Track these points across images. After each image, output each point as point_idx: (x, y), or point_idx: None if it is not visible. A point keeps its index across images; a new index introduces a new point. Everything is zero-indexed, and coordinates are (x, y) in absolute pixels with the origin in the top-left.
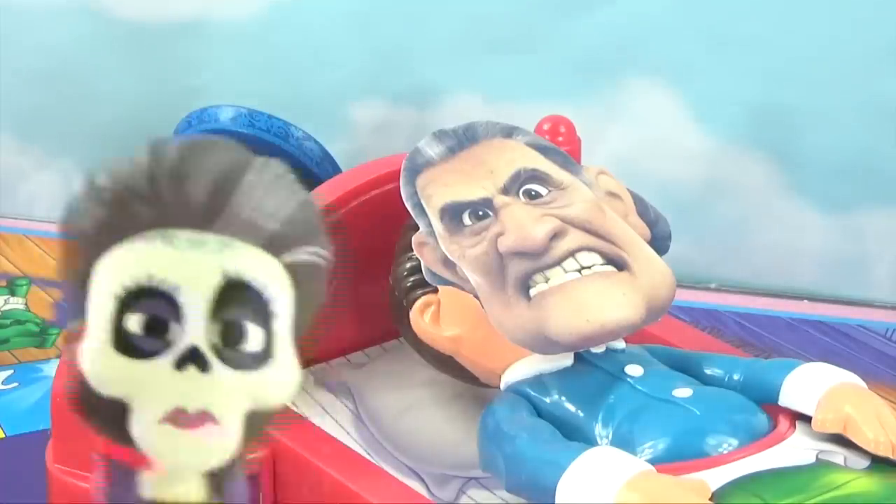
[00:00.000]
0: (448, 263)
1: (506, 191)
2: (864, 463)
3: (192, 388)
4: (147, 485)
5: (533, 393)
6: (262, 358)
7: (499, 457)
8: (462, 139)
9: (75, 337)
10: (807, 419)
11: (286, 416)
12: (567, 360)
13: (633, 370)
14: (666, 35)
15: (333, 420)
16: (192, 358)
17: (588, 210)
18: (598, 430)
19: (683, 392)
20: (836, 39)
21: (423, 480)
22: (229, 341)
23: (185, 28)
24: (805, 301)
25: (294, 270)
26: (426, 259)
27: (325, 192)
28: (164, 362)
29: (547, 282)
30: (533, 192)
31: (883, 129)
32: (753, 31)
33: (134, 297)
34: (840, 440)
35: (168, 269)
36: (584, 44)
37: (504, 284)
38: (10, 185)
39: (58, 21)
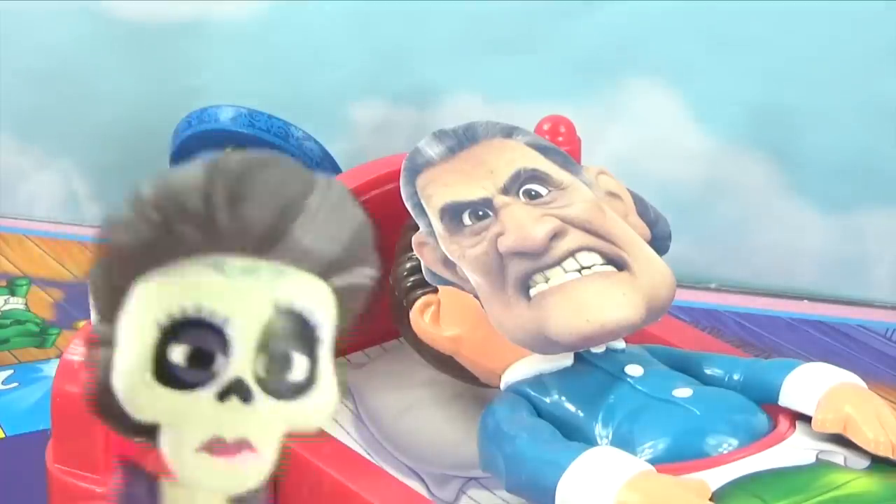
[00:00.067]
0: (448, 263)
1: (506, 191)
2: (864, 463)
3: (233, 419)
4: (167, 494)
5: (533, 393)
6: (305, 386)
7: (499, 457)
8: (462, 139)
9: (97, 341)
10: (807, 419)
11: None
12: (567, 360)
13: (633, 370)
14: (666, 35)
15: (333, 420)
16: (236, 390)
17: (588, 210)
18: (598, 430)
19: (683, 392)
20: (836, 39)
21: (423, 480)
22: (274, 372)
23: (185, 28)
24: (805, 301)
25: (342, 292)
26: (426, 259)
27: None
28: (207, 394)
29: (547, 282)
30: (533, 192)
31: (883, 129)
32: (753, 31)
33: (180, 327)
34: (840, 440)
35: (218, 301)
36: (584, 44)
37: (504, 284)
38: (10, 185)
39: (58, 21)
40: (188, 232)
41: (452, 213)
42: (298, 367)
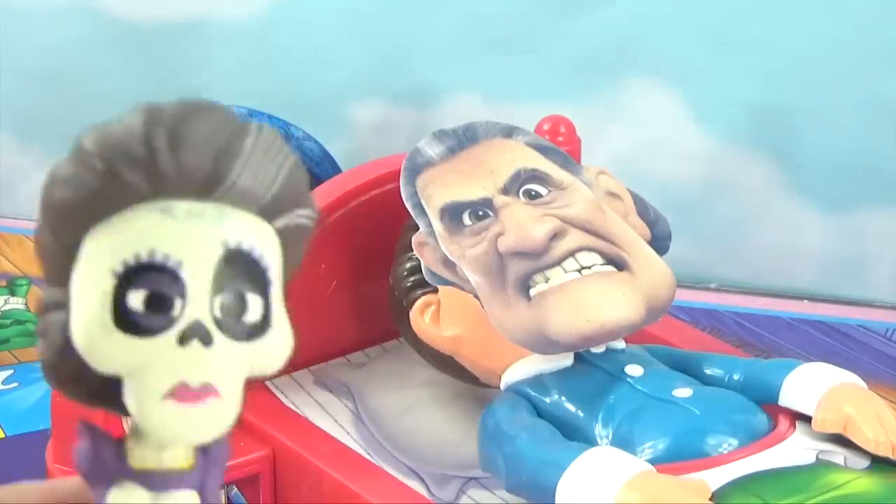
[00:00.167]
0: (448, 263)
1: (506, 191)
2: (864, 463)
3: (194, 363)
4: (132, 452)
5: (533, 393)
6: (262, 327)
7: (499, 457)
8: (462, 139)
9: (49, 306)
10: (807, 419)
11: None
12: (567, 360)
13: (633, 370)
14: (666, 35)
15: (333, 420)
16: (196, 332)
17: (588, 210)
18: (598, 430)
19: (683, 392)
20: (836, 39)
21: (423, 480)
22: (231, 313)
23: (185, 28)
24: (805, 301)
25: (284, 234)
26: (426, 259)
27: (325, 192)
28: (167, 338)
29: (547, 282)
30: (533, 192)
31: (883, 129)
32: (753, 31)
33: (134, 273)
34: (840, 440)
35: (170, 244)
36: (584, 44)
37: (504, 284)
38: (10, 185)
39: (58, 21)
40: (134, 178)
41: (452, 213)
42: (254, 308)
